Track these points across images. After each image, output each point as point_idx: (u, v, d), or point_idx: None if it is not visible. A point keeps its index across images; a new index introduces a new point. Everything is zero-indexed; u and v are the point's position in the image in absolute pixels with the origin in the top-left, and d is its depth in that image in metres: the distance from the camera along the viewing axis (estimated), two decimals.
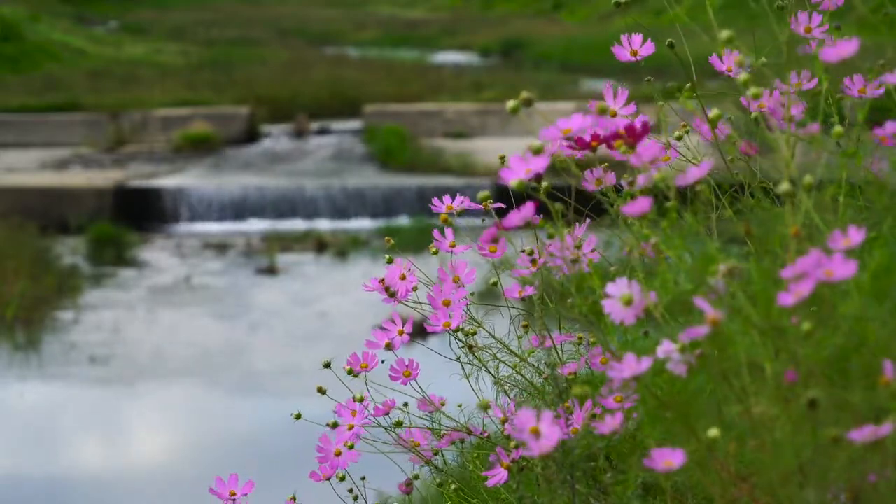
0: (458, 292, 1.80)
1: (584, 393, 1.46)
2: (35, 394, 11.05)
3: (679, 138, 1.75)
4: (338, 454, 1.84)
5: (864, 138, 1.49)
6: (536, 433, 1.31)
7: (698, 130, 1.72)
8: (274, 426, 9.74)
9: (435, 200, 1.88)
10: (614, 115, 1.55)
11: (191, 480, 8.50)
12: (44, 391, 11.09)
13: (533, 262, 1.68)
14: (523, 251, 1.69)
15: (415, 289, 1.85)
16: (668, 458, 1.30)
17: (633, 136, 1.38)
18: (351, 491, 1.94)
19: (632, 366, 1.34)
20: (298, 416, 1.99)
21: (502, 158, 1.50)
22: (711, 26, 1.68)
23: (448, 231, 1.84)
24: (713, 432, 1.27)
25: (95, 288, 14.11)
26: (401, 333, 1.86)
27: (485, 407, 1.80)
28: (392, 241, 1.91)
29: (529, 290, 1.81)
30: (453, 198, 1.87)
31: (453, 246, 1.84)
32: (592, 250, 1.63)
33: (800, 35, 1.63)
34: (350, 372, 1.88)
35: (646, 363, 1.32)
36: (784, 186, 1.27)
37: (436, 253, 1.87)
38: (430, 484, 1.96)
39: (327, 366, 1.91)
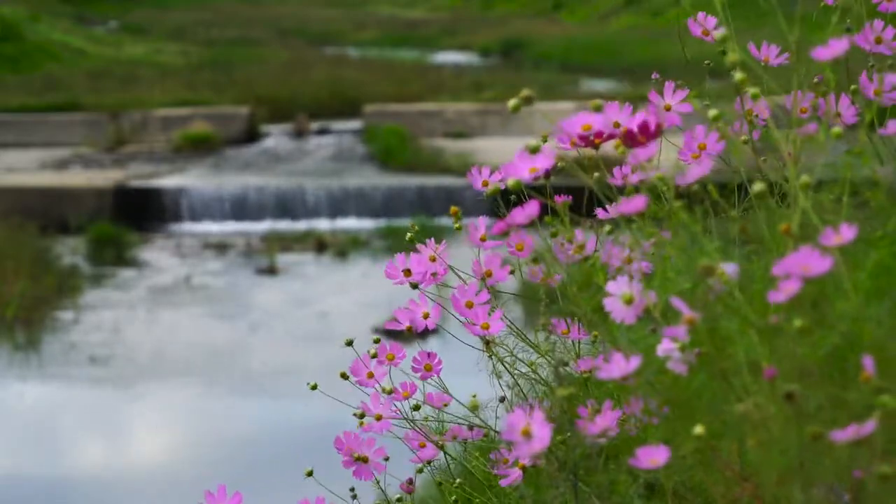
0: (481, 294, 1.68)
1: (570, 395, 1.44)
2: (35, 394, 11.05)
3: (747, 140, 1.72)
4: (365, 461, 1.76)
5: (867, 138, 1.49)
6: (528, 434, 1.28)
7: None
8: (274, 426, 9.75)
9: (474, 170, 1.71)
10: (669, 108, 1.55)
11: (190, 481, 8.50)
12: (44, 391, 11.09)
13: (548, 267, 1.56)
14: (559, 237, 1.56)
15: (434, 274, 1.73)
16: (653, 457, 1.29)
17: (646, 135, 1.37)
18: (352, 490, 1.93)
19: (621, 366, 1.32)
20: (314, 387, 1.95)
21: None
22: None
23: (481, 221, 1.68)
24: (699, 430, 1.26)
25: (95, 288, 14.11)
26: (425, 316, 1.74)
27: (475, 407, 1.76)
28: (417, 227, 1.79)
29: (557, 278, 1.71)
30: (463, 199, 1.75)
31: (484, 239, 1.68)
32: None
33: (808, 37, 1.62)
34: (374, 355, 1.77)
35: (634, 362, 1.30)
36: (758, 186, 1.27)
37: (459, 229, 1.74)
38: (433, 481, 1.95)
39: (350, 344, 1.82)
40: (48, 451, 9.76)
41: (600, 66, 26.36)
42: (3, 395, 11.08)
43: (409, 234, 1.77)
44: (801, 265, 1.19)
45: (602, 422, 1.34)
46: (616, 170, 1.63)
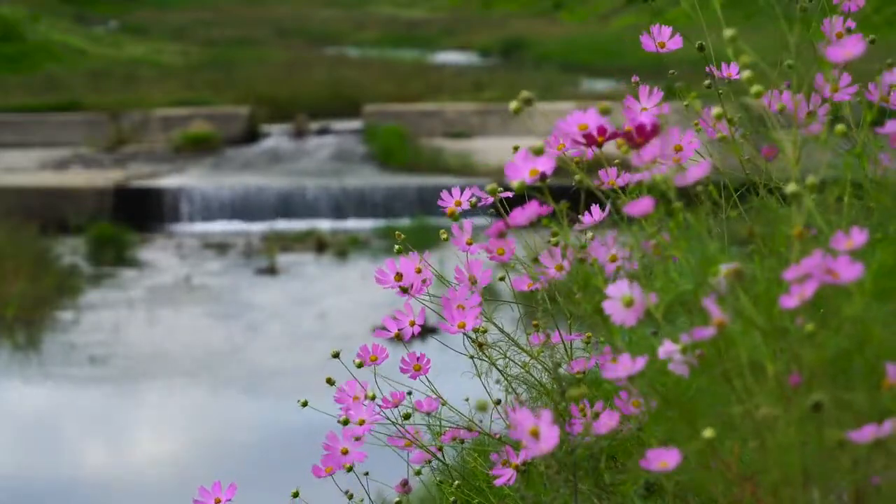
0: (472, 297, 1.71)
1: (582, 394, 1.44)
2: (35, 394, 11.04)
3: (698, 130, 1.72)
4: (345, 452, 1.79)
5: (868, 139, 1.48)
6: (535, 434, 1.29)
7: (704, 130, 1.71)
8: (274, 426, 9.74)
9: (444, 194, 1.78)
10: (646, 110, 1.54)
11: (190, 480, 8.48)
12: (44, 391, 11.09)
13: (558, 266, 1.57)
14: (549, 241, 1.58)
15: (424, 281, 1.77)
16: (664, 459, 1.29)
17: (643, 135, 1.37)
18: (349, 495, 1.92)
19: (626, 365, 1.32)
20: (305, 404, 1.96)
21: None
22: (709, 26, 1.67)
23: (467, 225, 1.75)
24: (709, 433, 1.26)
25: (95, 288, 14.10)
26: (412, 324, 1.79)
27: (483, 407, 1.78)
28: (402, 236, 1.83)
29: (538, 285, 1.75)
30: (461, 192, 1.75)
31: (470, 243, 1.74)
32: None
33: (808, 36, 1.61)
34: (360, 365, 1.82)
35: (640, 362, 1.31)
36: (792, 187, 1.26)
37: (446, 239, 1.79)
38: (431, 482, 1.95)
39: (336, 356, 1.85)
40: (48, 450, 9.75)
41: (600, 66, 26.34)
42: (3, 395, 11.07)
43: (396, 247, 1.81)
44: (826, 270, 1.18)
45: (607, 422, 1.33)
46: (602, 172, 1.62)
